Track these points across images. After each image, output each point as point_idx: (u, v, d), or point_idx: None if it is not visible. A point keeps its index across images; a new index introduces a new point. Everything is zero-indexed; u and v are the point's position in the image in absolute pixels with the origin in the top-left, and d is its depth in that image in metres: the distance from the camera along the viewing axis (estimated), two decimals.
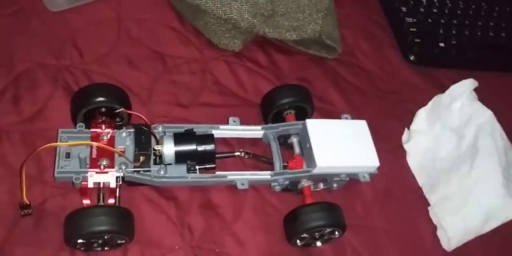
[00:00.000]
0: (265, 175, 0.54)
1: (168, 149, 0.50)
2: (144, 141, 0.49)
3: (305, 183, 0.55)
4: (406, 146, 0.65)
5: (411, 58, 0.74)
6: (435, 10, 0.78)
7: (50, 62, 0.59)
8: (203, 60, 0.65)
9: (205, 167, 0.52)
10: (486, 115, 0.63)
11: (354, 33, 0.74)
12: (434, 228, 0.60)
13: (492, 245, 0.59)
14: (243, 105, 0.62)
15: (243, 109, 0.62)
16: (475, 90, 0.66)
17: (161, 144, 0.50)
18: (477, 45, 0.76)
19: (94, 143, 0.48)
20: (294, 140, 0.58)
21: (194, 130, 0.53)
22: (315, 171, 0.54)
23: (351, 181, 0.57)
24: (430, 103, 0.66)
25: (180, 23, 0.66)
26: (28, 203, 0.47)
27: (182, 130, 0.53)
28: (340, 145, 0.55)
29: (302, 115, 0.60)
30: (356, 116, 0.61)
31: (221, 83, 0.64)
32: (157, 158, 0.51)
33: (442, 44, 0.75)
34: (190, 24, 0.66)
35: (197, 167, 0.51)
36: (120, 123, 0.52)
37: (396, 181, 0.62)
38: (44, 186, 0.50)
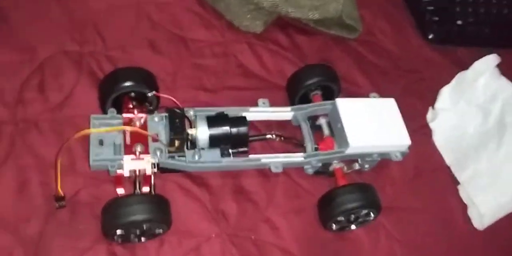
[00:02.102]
0: (298, 157, 0.53)
1: (202, 133, 0.49)
2: (178, 125, 0.48)
3: (336, 165, 0.55)
4: (431, 125, 0.65)
5: (430, 37, 0.73)
6: None
7: (73, 49, 0.58)
8: (225, 43, 0.64)
9: (238, 151, 0.51)
10: (511, 90, 0.63)
11: (372, 13, 0.73)
12: (464, 207, 0.59)
13: None
14: (268, 87, 0.62)
15: (268, 91, 0.61)
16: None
17: (194, 128, 0.49)
18: (493, 22, 0.76)
19: (129, 128, 0.47)
20: (323, 121, 0.57)
21: (224, 113, 0.52)
22: (348, 151, 0.53)
23: (380, 161, 0.57)
24: (453, 81, 0.66)
25: (200, 6, 0.65)
26: (63, 195, 0.46)
27: (213, 113, 0.52)
28: (371, 124, 0.54)
29: (328, 95, 0.59)
30: (380, 95, 0.60)
31: (245, 66, 0.63)
32: (190, 142, 0.50)
33: (459, 22, 0.74)
34: (211, 6, 0.65)
35: (230, 151, 0.50)
36: (152, 105, 0.51)
37: (424, 161, 0.62)
38: (76, 177, 0.50)
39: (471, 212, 0.59)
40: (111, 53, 0.58)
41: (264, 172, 0.54)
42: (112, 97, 0.50)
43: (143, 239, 0.47)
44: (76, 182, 0.49)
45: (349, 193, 0.51)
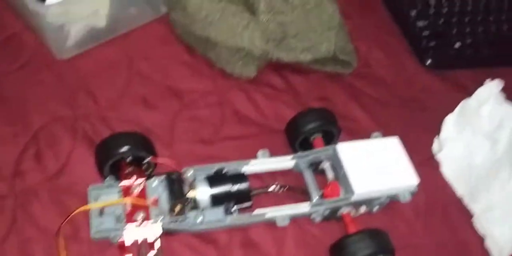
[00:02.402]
0: (303, 207, 0.52)
1: (203, 194, 0.49)
2: (177, 190, 0.48)
3: (344, 209, 0.53)
4: (438, 156, 0.63)
5: (428, 63, 0.72)
6: (444, 10, 0.76)
7: (66, 113, 0.57)
8: (219, 91, 0.63)
9: (242, 207, 0.50)
10: None
11: (366, 43, 0.72)
12: (481, 239, 0.58)
13: None
14: (266, 133, 0.61)
15: (267, 136, 0.60)
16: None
17: (194, 190, 0.49)
18: (492, 41, 0.74)
19: (128, 201, 0.46)
20: (326, 165, 0.56)
21: (224, 169, 0.51)
22: (354, 198, 0.52)
23: (390, 200, 0.56)
24: (457, 109, 0.64)
25: (190, 56, 0.65)
26: None
27: (213, 170, 0.51)
28: (376, 167, 0.53)
29: (329, 137, 0.58)
30: (382, 130, 0.59)
31: (241, 113, 0.62)
32: (191, 203, 0.49)
33: (457, 45, 0.73)
34: (201, 56, 0.65)
35: (234, 207, 0.50)
36: (149, 170, 0.50)
37: (435, 194, 0.60)
38: (80, 245, 0.49)
39: (488, 244, 0.57)
40: (105, 114, 0.58)
41: (271, 223, 0.53)
42: (109, 163, 0.50)
43: None
44: (81, 251, 0.49)
45: (360, 241, 0.50)
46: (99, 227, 0.46)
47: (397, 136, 0.57)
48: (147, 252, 0.46)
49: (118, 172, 0.50)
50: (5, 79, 0.59)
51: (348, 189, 0.52)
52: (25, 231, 0.49)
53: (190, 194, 0.48)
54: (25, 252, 0.48)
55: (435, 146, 0.64)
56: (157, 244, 0.47)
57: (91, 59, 0.62)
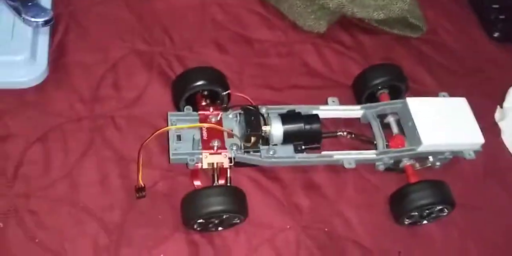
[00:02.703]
0: (370, 154, 0.53)
1: (276, 129, 0.50)
2: (254, 122, 0.49)
3: (407, 162, 0.54)
4: (500, 124, 0.63)
5: (496, 35, 0.72)
6: None
7: (144, 49, 0.59)
8: (289, 42, 0.64)
9: (311, 147, 0.51)
10: None
11: (434, 12, 0.72)
12: None
13: None
14: (333, 86, 0.62)
15: (333, 89, 0.61)
16: None
17: (268, 125, 0.50)
18: None
19: (207, 124, 0.48)
20: (391, 119, 0.56)
21: (296, 110, 0.52)
22: (420, 149, 0.52)
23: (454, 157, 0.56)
24: None
25: (263, 7, 0.66)
26: (143, 186, 0.47)
27: (284, 111, 0.52)
28: (443, 123, 0.54)
29: (396, 94, 0.58)
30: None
31: (309, 65, 0.63)
32: (264, 138, 0.50)
33: None
34: (273, 7, 0.66)
35: (303, 147, 0.51)
36: (224, 104, 0.51)
37: (493, 159, 0.60)
38: (153, 170, 0.51)
39: None
40: (180, 52, 0.60)
41: (332, 168, 0.54)
42: (186, 95, 0.51)
43: (220, 228, 0.48)
44: (154, 175, 0.51)
45: (424, 189, 0.50)
46: (177, 150, 0.48)
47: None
48: (218, 180, 0.48)
49: (193, 106, 0.52)
50: (86, 13, 0.61)
51: (415, 141, 0.53)
52: (102, 152, 0.51)
53: (265, 128, 0.50)
54: (101, 170, 0.50)
55: (497, 114, 0.64)
56: (228, 173, 0.48)
57: (166, 1, 0.64)
